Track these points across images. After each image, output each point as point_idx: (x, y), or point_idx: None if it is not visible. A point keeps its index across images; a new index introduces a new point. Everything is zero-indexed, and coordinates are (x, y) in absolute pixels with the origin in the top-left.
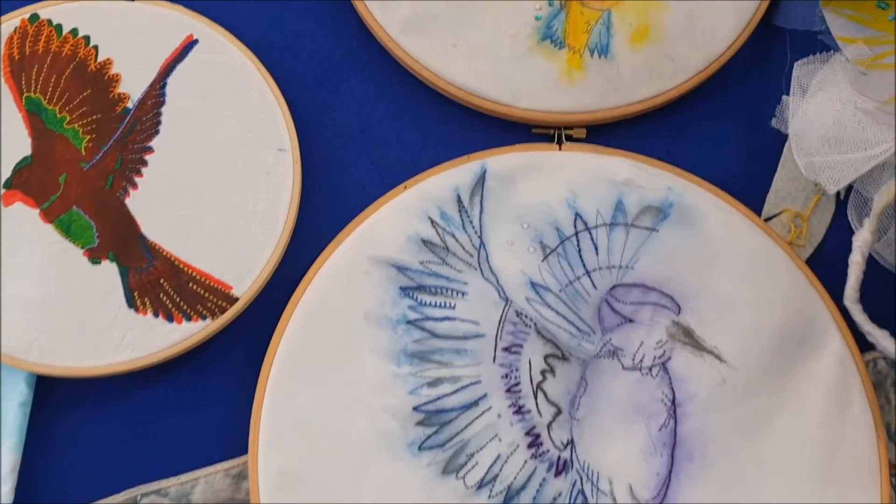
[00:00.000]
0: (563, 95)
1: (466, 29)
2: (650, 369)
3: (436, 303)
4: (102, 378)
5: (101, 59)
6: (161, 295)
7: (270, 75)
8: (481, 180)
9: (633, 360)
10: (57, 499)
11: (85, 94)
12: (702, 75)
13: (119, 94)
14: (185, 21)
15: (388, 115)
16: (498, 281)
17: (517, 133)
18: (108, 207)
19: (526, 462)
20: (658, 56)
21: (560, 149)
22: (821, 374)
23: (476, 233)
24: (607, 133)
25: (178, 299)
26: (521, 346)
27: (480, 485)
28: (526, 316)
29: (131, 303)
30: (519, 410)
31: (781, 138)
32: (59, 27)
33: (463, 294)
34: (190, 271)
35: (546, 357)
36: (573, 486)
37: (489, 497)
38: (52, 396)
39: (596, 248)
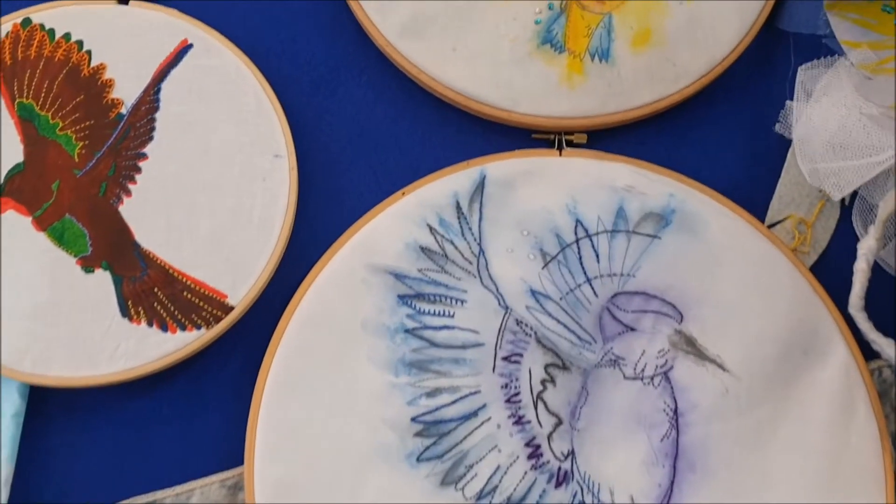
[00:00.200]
0: (564, 100)
1: (465, 33)
2: (652, 378)
3: (434, 311)
4: (96, 388)
5: (94, 63)
6: (155, 304)
7: (266, 80)
8: (480, 186)
9: (635, 369)
10: None
11: (78, 99)
12: (704, 80)
13: (112, 100)
14: (180, 25)
15: (385, 121)
16: (497, 289)
17: (517, 138)
18: (101, 215)
19: (526, 473)
20: (660, 60)
21: (560, 154)
22: (825, 383)
23: (475, 240)
24: (608, 138)
25: (172, 308)
26: (521, 355)
27: (480, 496)
28: (526, 324)
29: (125, 312)
30: (519, 421)
31: (785, 143)
32: (51, 32)
33: (462, 302)
34: (184, 280)
35: (546, 366)
36: (574, 497)
37: None
38: (46, 406)
39: (597, 256)
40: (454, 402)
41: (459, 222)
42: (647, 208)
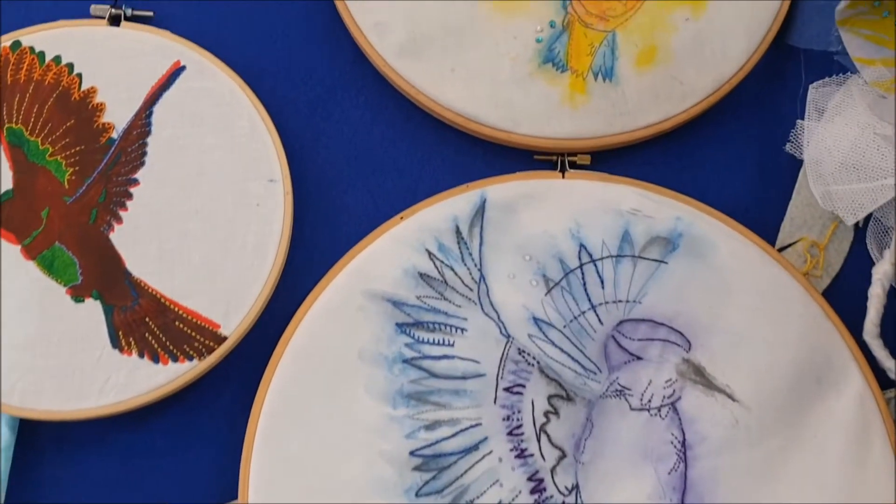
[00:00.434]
0: (566, 120)
1: (464, 52)
2: (659, 410)
3: (434, 340)
4: (88, 420)
5: (84, 87)
6: (146, 334)
7: (261, 102)
8: (481, 210)
9: (642, 399)
10: None
11: (68, 124)
12: (711, 98)
13: (103, 124)
14: (172, 47)
15: (383, 143)
16: (499, 316)
17: (518, 160)
18: (91, 243)
19: None
20: (665, 78)
21: (563, 176)
22: (839, 414)
23: (476, 266)
24: (612, 160)
25: (164, 339)
26: (523, 385)
27: None
28: (528, 354)
29: (116, 343)
30: (521, 454)
31: (796, 163)
32: (41, 54)
33: (462, 331)
34: (176, 309)
35: (550, 397)
36: None
37: None
38: (36, 439)
39: (602, 282)
40: (454, 434)
41: (459, 247)
42: (654, 232)
